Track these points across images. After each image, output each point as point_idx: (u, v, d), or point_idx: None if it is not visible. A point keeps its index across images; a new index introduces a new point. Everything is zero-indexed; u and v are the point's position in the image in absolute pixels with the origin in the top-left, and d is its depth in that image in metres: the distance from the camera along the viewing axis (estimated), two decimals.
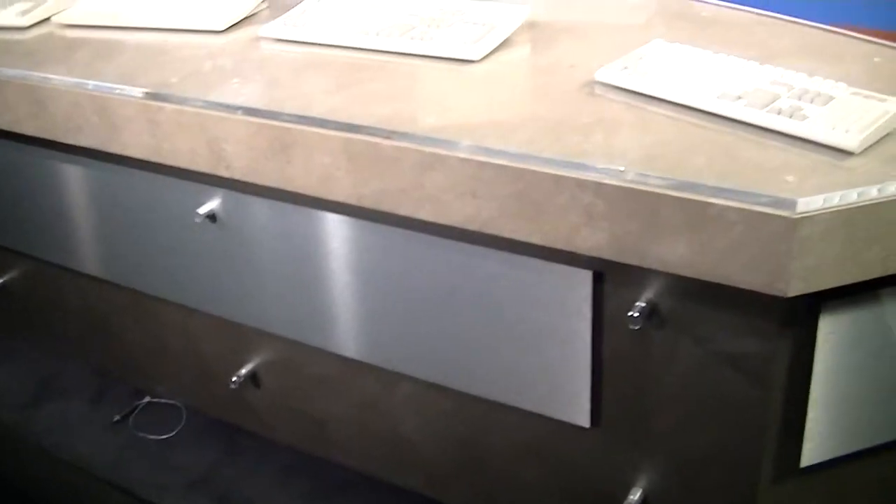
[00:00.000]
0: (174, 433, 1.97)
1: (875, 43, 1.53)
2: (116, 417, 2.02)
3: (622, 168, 1.18)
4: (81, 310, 2.06)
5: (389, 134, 1.33)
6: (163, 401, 2.04)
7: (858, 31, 1.58)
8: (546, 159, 1.22)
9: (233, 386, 1.77)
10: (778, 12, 1.72)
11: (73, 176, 1.84)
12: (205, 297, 1.78)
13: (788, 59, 1.42)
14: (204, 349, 1.88)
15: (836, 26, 1.60)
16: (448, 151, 1.27)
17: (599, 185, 1.17)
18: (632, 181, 1.16)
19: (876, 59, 1.46)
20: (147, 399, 2.05)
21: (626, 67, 1.41)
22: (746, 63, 1.38)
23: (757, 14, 1.72)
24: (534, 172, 1.22)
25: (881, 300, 1.22)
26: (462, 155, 1.26)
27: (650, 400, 1.36)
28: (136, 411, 2.03)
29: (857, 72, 1.40)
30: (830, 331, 1.22)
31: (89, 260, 1.94)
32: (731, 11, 1.75)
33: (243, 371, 1.78)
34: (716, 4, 1.78)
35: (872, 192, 1.10)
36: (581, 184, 1.19)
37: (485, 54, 1.56)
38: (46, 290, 2.12)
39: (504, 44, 1.60)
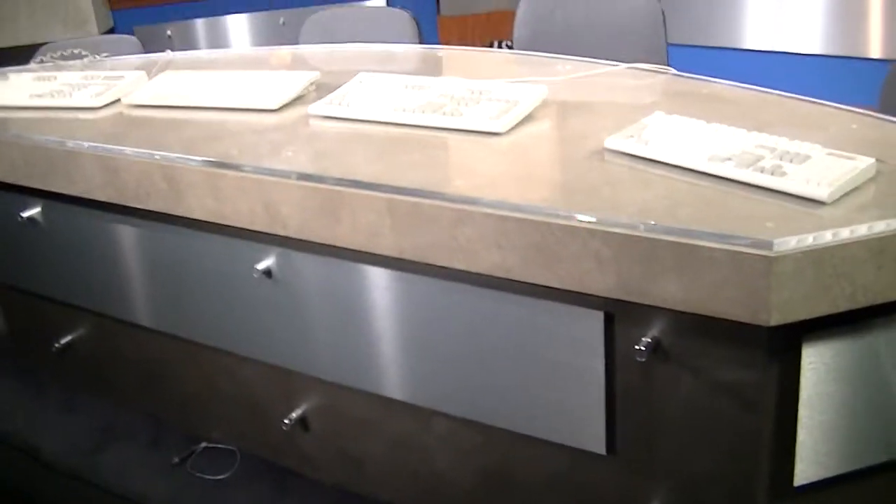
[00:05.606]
0: (228, 474, 2.13)
1: (857, 113, 1.72)
2: (175, 460, 2.18)
3: (624, 219, 1.37)
4: (142, 362, 2.25)
5: (428, 194, 1.53)
6: (218, 446, 2.20)
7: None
8: (560, 213, 1.41)
9: (284, 427, 1.94)
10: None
11: (140, 237, 2.04)
12: (258, 346, 1.95)
13: (776, 128, 1.61)
14: (256, 395, 2.05)
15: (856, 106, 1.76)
16: (475, 208, 1.47)
17: (606, 233, 1.36)
18: (632, 229, 1.35)
19: (853, 126, 1.66)
20: (203, 444, 2.21)
21: (630, 136, 1.61)
22: (736, 131, 1.58)
23: (753, 91, 1.92)
24: (549, 224, 1.41)
25: (860, 333, 1.38)
26: (487, 210, 1.46)
27: (658, 428, 1.52)
28: (193, 455, 2.20)
29: (836, 136, 1.59)
30: (812, 360, 1.37)
31: (151, 314, 2.12)
32: (730, 89, 1.95)
33: (294, 414, 1.95)
34: (717, 82, 1.98)
35: (842, 234, 1.27)
36: (591, 233, 1.38)
37: (509, 128, 1.77)
38: (109, 345, 2.31)
39: (526, 119, 1.82)
